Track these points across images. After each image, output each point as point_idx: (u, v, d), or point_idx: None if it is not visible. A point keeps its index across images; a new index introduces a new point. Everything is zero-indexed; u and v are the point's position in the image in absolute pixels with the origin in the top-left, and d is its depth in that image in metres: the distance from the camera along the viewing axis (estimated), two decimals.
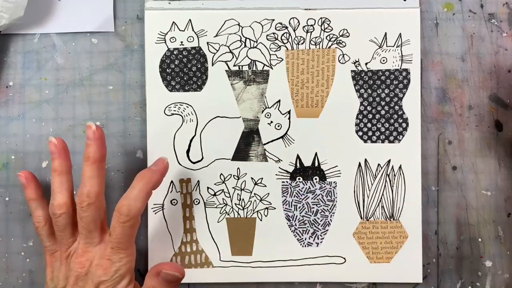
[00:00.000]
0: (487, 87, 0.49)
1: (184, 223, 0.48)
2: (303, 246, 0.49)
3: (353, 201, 0.48)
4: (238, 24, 0.48)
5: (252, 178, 0.48)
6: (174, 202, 0.48)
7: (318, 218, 0.49)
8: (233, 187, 0.49)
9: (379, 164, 0.48)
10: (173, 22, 0.48)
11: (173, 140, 0.48)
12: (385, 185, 0.48)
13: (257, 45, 0.49)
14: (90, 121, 0.48)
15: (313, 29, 0.48)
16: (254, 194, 0.48)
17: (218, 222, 0.49)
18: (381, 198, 0.48)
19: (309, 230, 0.49)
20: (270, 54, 0.49)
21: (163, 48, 0.48)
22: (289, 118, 0.49)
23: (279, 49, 0.49)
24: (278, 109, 0.48)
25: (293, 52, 0.49)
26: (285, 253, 0.49)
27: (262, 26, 0.48)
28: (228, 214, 0.49)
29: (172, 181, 0.48)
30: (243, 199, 0.49)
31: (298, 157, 0.49)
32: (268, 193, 0.49)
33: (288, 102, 0.49)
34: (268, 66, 0.49)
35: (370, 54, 0.49)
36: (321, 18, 0.48)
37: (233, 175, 0.48)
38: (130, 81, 0.49)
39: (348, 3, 0.48)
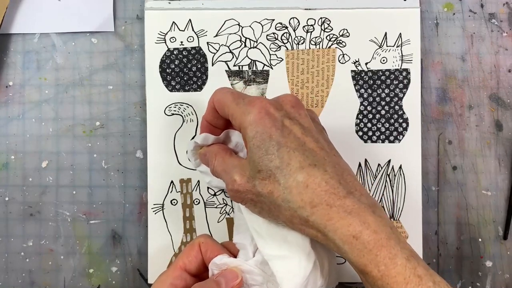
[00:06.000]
0: (487, 87, 0.49)
1: (184, 223, 0.48)
2: None
3: None
4: (238, 24, 0.48)
5: None
6: (174, 202, 0.48)
7: None
8: None
9: (379, 164, 0.48)
10: (173, 22, 0.48)
11: (173, 140, 0.48)
12: (385, 185, 0.48)
13: (257, 45, 0.49)
14: (90, 121, 0.49)
15: (313, 29, 0.48)
16: None
17: (218, 222, 0.48)
18: (381, 198, 0.48)
19: None
20: (270, 54, 0.49)
21: (163, 48, 0.48)
22: None
23: (279, 49, 0.49)
24: None
25: (293, 52, 0.49)
26: None
27: (262, 26, 0.48)
28: (228, 214, 0.48)
29: (172, 181, 0.48)
30: None
31: None
32: None
33: None
34: (268, 66, 0.49)
35: (370, 54, 0.48)
36: (321, 18, 0.48)
37: None
38: (130, 81, 0.49)
39: (348, 3, 0.48)
